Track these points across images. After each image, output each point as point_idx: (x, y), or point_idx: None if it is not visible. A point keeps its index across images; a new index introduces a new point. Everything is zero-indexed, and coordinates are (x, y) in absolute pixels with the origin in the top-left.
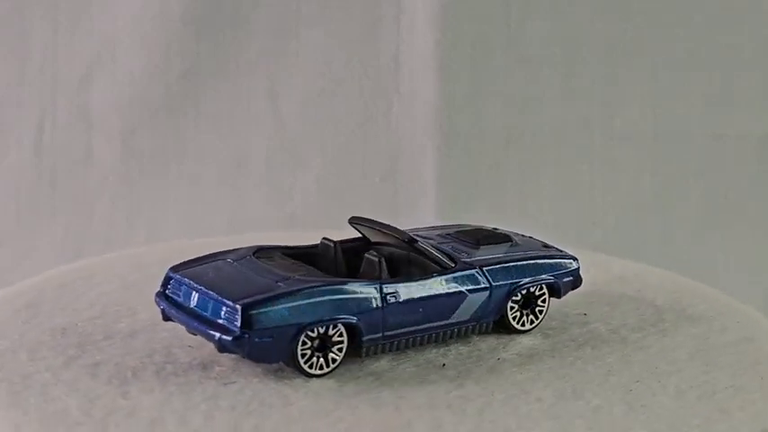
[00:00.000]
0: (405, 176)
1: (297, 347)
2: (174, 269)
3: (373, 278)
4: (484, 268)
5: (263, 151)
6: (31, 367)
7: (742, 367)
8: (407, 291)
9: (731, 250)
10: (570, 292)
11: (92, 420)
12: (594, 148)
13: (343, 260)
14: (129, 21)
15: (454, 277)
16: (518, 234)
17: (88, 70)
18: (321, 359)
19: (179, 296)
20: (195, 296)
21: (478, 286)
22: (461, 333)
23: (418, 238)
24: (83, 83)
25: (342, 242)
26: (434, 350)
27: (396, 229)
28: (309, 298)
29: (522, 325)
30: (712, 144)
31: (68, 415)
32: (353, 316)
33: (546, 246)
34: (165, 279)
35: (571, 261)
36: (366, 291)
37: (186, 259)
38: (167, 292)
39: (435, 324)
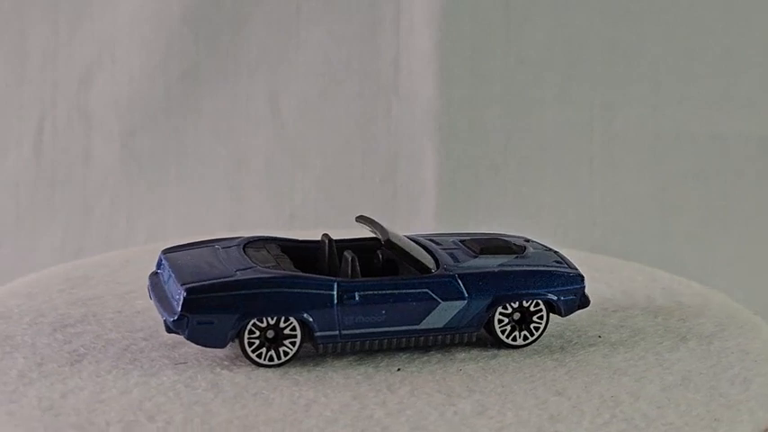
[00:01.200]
0: (405, 176)
1: (244, 336)
2: (165, 251)
3: (345, 276)
4: (464, 277)
5: (263, 151)
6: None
7: None
8: (368, 291)
9: (731, 250)
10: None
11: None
12: (594, 148)
13: (337, 257)
14: (129, 21)
15: (427, 283)
16: (544, 247)
17: (88, 71)
18: (272, 351)
19: (163, 277)
20: (169, 278)
21: (454, 295)
22: (439, 341)
23: (398, 241)
24: (83, 83)
25: (340, 240)
26: (404, 355)
27: (382, 229)
28: (259, 289)
29: (514, 340)
30: (712, 144)
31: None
32: (305, 311)
33: (559, 262)
34: (158, 261)
35: (576, 279)
36: (322, 288)
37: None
38: (158, 272)
39: (403, 328)
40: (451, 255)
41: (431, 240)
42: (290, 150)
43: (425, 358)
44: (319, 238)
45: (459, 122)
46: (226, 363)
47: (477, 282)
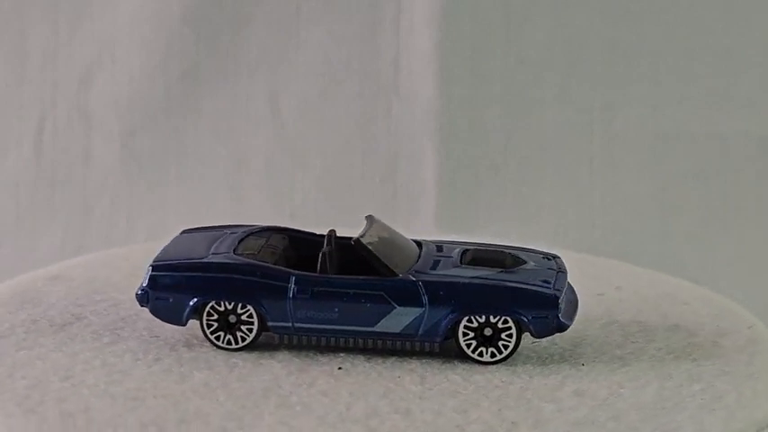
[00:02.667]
0: (405, 176)
1: (203, 318)
2: (183, 231)
3: (323, 271)
4: (427, 285)
5: (263, 151)
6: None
7: None
8: (321, 288)
9: (731, 251)
10: None
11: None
12: (594, 148)
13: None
14: (129, 21)
15: (384, 286)
16: (556, 267)
17: (88, 71)
18: (229, 335)
19: None
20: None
21: (412, 301)
22: (398, 346)
23: (368, 241)
24: (83, 83)
25: (342, 237)
26: (360, 356)
27: (369, 229)
28: (215, 273)
29: (481, 355)
30: (712, 144)
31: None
32: (260, 300)
33: (547, 281)
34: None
35: (548, 301)
36: (278, 279)
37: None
38: None
39: (357, 329)
40: (436, 262)
41: (437, 246)
42: (290, 150)
43: (379, 362)
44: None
45: (459, 122)
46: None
47: (438, 291)
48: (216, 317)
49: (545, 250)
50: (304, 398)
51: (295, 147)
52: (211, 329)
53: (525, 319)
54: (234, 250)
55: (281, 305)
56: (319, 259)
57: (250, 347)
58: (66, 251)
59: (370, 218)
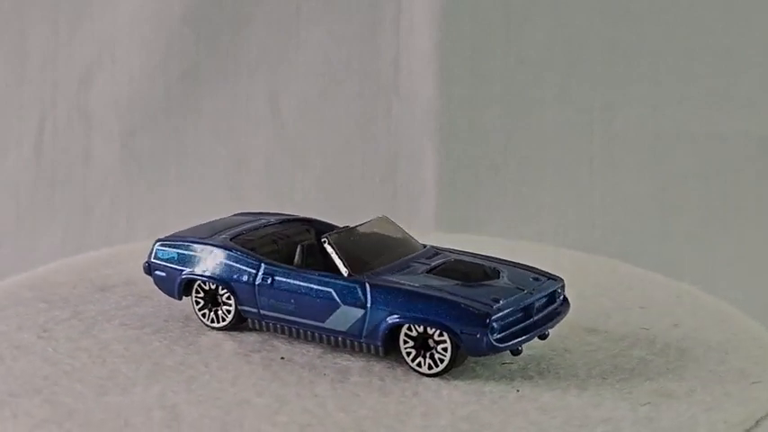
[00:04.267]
0: (405, 176)
1: (192, 294)
2: (235, 214)
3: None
4: (374, 287)
5: (263, 151)
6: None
7: None
8: (282, 278)
9: (731, 251)
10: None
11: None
12: (594, 148)
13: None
14: (129, 21)
15: (333, 284)
16: (539, 284)
17: (88, 71)
18: (212, 313)
19: None
20: None
21: (354, 301)
22: (348, 345)
23: (336, 240)
24: (83, 83)
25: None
26: (318, 350)
27: (357, 226)
28: (199, 253)
29: (419, 366)
30: (712, 144)
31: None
32: (233, 283)
33: (494, 299)
34: None
35: (476, 319)
36: (249, 266)
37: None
38: None
39: (310, 322)
40: (407, 268)
41: (435, 253)
42: (290, 150)
43: (321, 357)
44: None
45: (459, 122)
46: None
47: (381, 295)
48: (202, 295)
49: (550, 272)
50: (215, 375)
51: (295, 146)
52: (199, 306)
53: (456, 335)
54: (236, 235)
55: (249, 291)
56: (297, 251)
57: (235, 328)
58: (67, 251)
59: (381, 218)
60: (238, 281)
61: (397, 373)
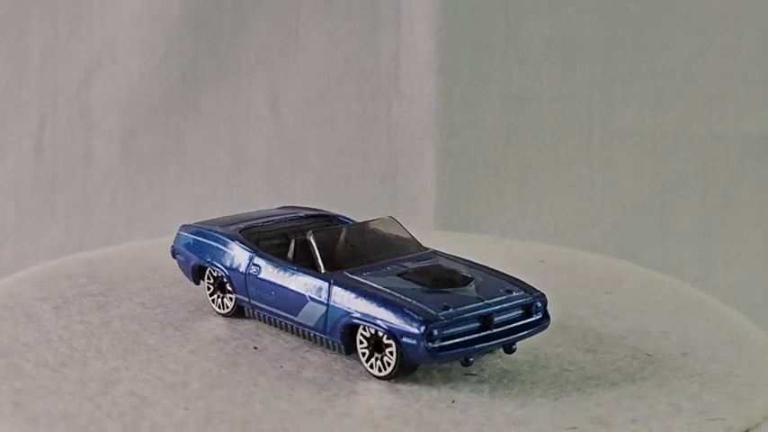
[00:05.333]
0: (405, 176)
1: (204, 280)
2: (284, 206)
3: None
4: (338, 284)
5: (263, 151)
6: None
7: None
8: (267, 270)
9: (730, 250)
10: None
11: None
12: (593, 148)
13: (347, 242)
14: (129, 22)
15: (304, 280)
16: (512, 296)
17: (88, 71)
18: (220, 300)
19: None
20: None
21: (318, 298)
22: (318, 340)
23: (319, 237)
24: (83, 84)
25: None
26: (297, 343)
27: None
28: (208, 241)
29: (371, 367)
30: (712, 144)
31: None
32: (230, 272)
33: (443, 307)
34: None
35: (414, 324)
36: (243, 257)
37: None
38: None
39: (286, 315)
40: (382, 269)
41: (424, 257)
42: (289, 150)
43: (294, 350)
44: None
45: (459, 122)
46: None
47: (339, 293)
48: (212, 281)
49: (533, 286)
50: (179, 357)
51: (295, 146)
52: (210, 292)
53: (398, 339)
54: (247, 227)
55: (242, 280)
56: (290, 245)
57: (242, 317)
58: (67, 251)
59: (386, 218)
60: (235, 270)
61: (352, 373)
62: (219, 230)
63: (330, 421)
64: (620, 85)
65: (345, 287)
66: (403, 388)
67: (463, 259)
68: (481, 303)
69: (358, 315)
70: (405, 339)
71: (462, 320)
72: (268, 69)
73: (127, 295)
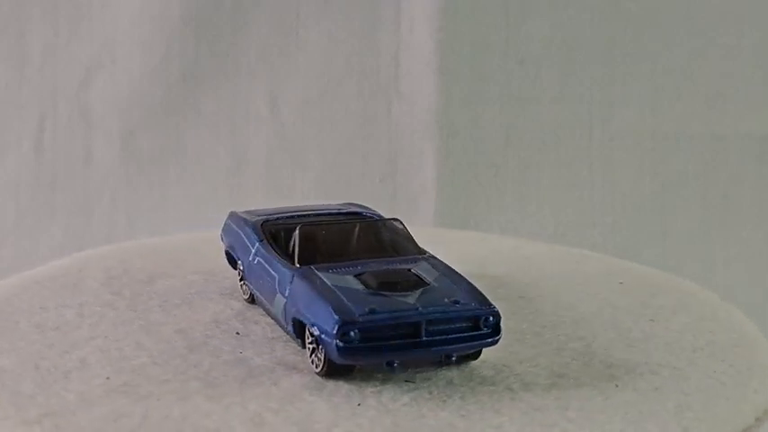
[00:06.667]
0: (405, 176)
1: (237, 267)
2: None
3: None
4: (301, 277)
5: (263, 151)
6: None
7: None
8: (259, 259)
9: (730, 250)
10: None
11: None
12: (593, 148)
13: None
14: (129, 22)
15: (281, 271)
16: (452, 305)
17: (88, 71)
18: (243, 286)
19: None
20: None
21: (282, 290)
22: (289, 333)
23: (305, 232)
24: (83, 84)
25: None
26: (282, 333)
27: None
28: (235, 227)
29: (312, 362)
30: (712, 144)
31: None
32: (241, 259)
33: (369, 311)
34: None
35: (330, 323)
36: (250, 245)
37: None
38: None
39: (266, 304)
40: (352, 267)
41: (408, 260)
42: (289, 150)
43: (270, 339)
44: None
45: (459, 122)
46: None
47: (295, 288)
48: (242, 268)
49: (489, 300)
50: (162, 333)
51: (295, 146)
52: (239, 278)
53: (320, 337)
54: (271, 219)
55: (247, 267)
56: (292, 238)
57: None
58: (66, 251)
59: (390, 219)
60: (245, 257)
61: (298, 367)
62: (245, 219)
63: (219, 409)
64: (620, 85)
65: (300, 281)
66: (329, 385)
67: (449, 268)
68: (413, 311)
69: (297, 310)
70: (323, 337)
71: (387, 325)
72: (268, 69)
73: (161, 276)
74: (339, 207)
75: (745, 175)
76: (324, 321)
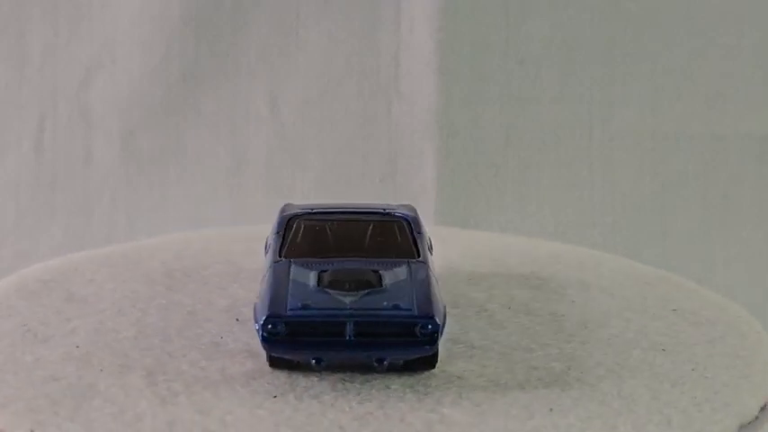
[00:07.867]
0: (405, 176)
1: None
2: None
3: None
4: (268, 270)
5: (263, 151)
6: None
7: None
8: (268, 250)
9: (730, 250)
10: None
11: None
12: (593, 148)
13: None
14: (129, 22)
15: (267, 261)
16: (397, 310)
17: (88, 71)
18: None
19: None
20: None
21: (262, 281)
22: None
23: (298, 221)
24: (83, 83)
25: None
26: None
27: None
28: (275, 222)
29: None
30: (712, 144)
31: None
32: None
33: (304, 306)
34: None
35: (259, 319)
36: (273, 240)
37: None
38: None
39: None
40: (326, 264)
41: (393, 263)
42: (289, 150)
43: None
44: None
45: (459, 122)
46: None
47: (266, 277)
48: None
49: (433, 309)
50: (167, 314)
51: (294, 146)
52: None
53: (258, 336)
54: (303, 215)
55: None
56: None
57: None
58: (66, 251)
59: (398, 222)
60: (267, 251)
61: (262, 359)
62: (283, 213)
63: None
64: (620, 85)
65: (269, 272)
66: (266, 376)
67: (425, 276)
68: (342, 311)
69: (258, 298)
70: (256, 327)
71: (315, 322)
72: (268, 69)
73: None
74: (384, 207)
75: (745, 175)
76: (260, 312)
